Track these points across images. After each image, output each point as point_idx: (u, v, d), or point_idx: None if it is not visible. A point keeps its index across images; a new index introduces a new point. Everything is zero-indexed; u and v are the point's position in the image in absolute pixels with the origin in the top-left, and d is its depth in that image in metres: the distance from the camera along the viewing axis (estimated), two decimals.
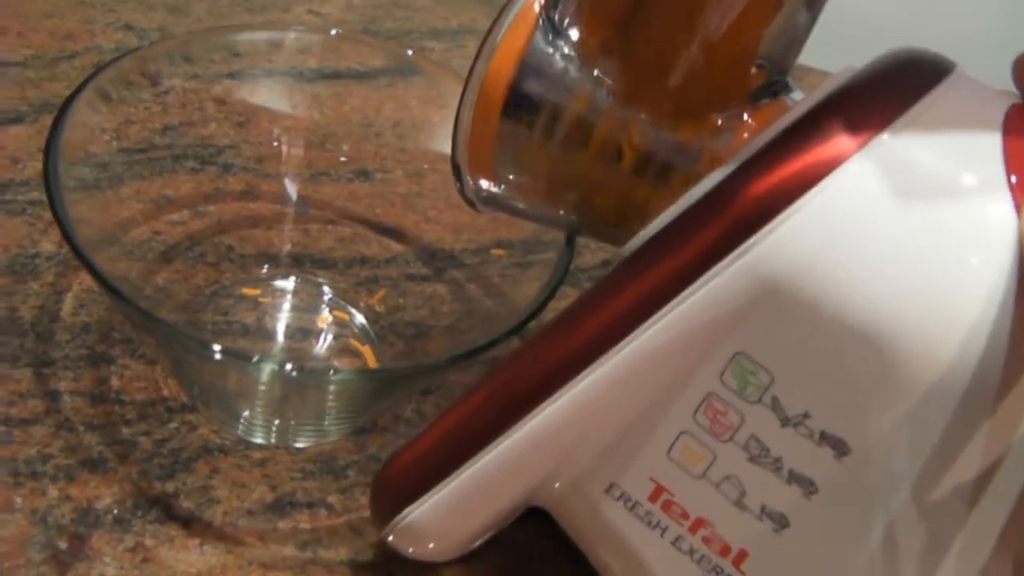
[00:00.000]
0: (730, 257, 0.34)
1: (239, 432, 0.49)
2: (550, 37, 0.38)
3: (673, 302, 0.35)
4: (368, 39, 0.62)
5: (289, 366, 0.41)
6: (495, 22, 0.38)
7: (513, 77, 0.38)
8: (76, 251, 0.41)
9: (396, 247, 0.59)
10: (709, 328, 0.35)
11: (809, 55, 0.41)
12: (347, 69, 0.61)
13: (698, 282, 0.34)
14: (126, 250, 0.53)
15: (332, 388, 0.45)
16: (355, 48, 0.60)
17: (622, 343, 0.36)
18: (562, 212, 0.40)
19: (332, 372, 0.44)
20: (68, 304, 0.53)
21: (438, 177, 0.61)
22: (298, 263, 0.57)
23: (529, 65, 0.38)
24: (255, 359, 0.41)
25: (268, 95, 0.60)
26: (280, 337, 0.54)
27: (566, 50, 0.37)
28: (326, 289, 0.56)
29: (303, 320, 0.55)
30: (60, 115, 0.48)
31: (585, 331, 0.36)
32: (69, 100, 0.48)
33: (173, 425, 0.49)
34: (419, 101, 0.61)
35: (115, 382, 0.51)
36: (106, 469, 0.47)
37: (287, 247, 0.58)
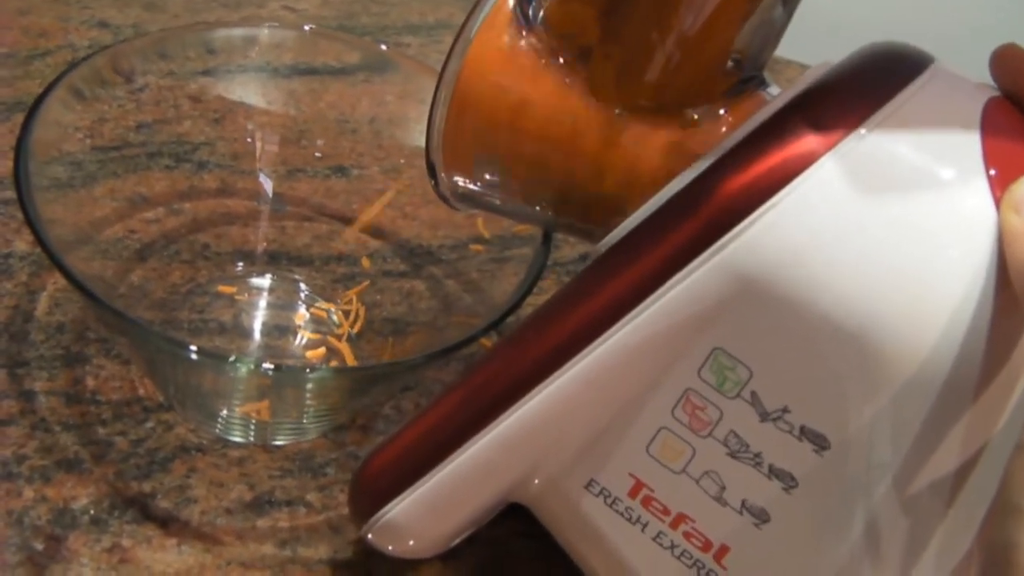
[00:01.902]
0: (706, 254, 0.33)
1: (217, 431, 0.49)
2: (524, 32, 0.37)
3: (649, 299, 0.34)
4: (343, 35, 0.62)
5: (266, 365, 0.40)
6: (468, 17, 0.38)
7: (486, 74, 0.38)
8: (48, 251, 0.41)
9: (373, 243, 0.59)
10: (686, 324, 0.34)
11: (790, 48, 0.41)
12: (323, 65, 0.60)
13: (674, 279, 0.34)
14: (100, 249, 0.53)
15: (309, 387, 0.45)
16: (330, 45, 0.59)
17: (598, 341, 0.35)
18: (538, 209, 0.40)
19: (308, 371, 0.44)
20: (42, 304, 0.53)
21: (415, 173, 0.60)
22: (274, 260, 0.57)
23: (502, 61, 0.38)
24: (231, 359, 0.41)
25: (243, 91, 0.60)
26: (257, 335, 0.53)
27: (540, 45, 0.37)
28: (303, 286, 0.56)
29: (280, 317, 0.54)
30: (31, 113, 0.47)
31: (560, 329, 0.36)
32: (41, 98, 0.48)
33: (149, 424, 0.49)
34: (396, 97, 0.61)
35: (90, 382, 0.50)
36: (82, 469, 0.47)
37: (263, 244, 0.57)
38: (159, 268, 0.54)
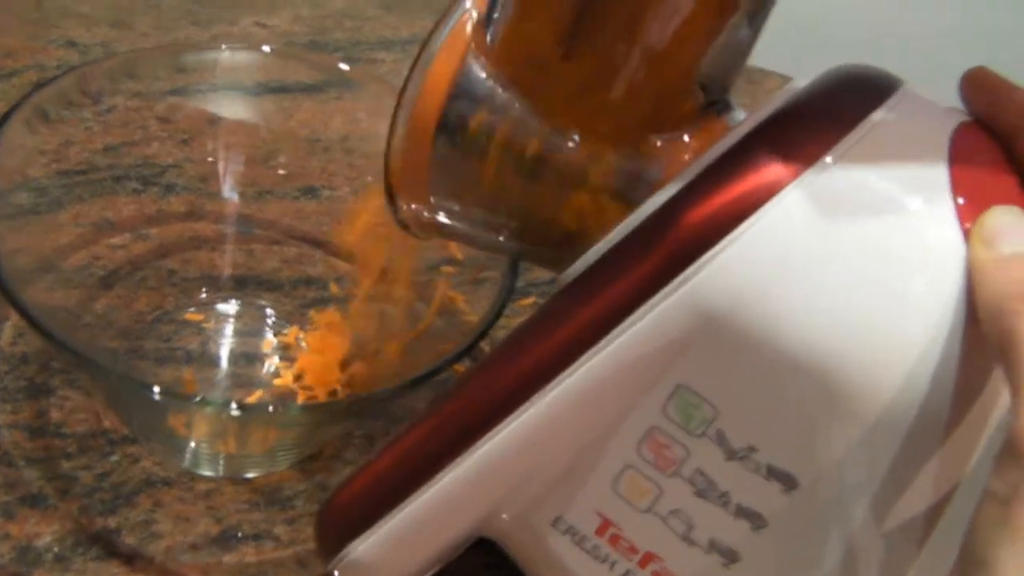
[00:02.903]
0: (668, 288, 0.33)
1: (185, 464, 0.48)
2: (482, 58, 0.36)
3: (612, 334, 0.34)
4: (312, 56, 0.61)
5: (233, 406, 0.39)
6: (426, 42, 0.37)
7: (444, 100, 0.37)
8: (4, 289, 0.40)
9: (343, 266, 0.58)
10: (650, 360, 0.34)
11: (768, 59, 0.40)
12: (294, 82, 0.59)
13: (636, 313, 0.33)
14: (64, 277, 0.52)
15: (276, 423, 0.44)
16: (299, 65, 0.58)
17: (561, 376, 0.35)
18: (500, 238, 0.39)
19: (273, 409, 0.43)
20: (6, 334, 0.52)
21: None
22: (241, 285, 0.56)
23: (461, 87, 0.37)
24: (196, 399, 0.40)
25: (213, 110, 0.59)
26: (224, 363, 0.52)
27: (498, 70, 0.36)
28: (270, 312, 0.55)
29: (247, 344, 0.53)
30: None
31: (523, 364, 0.35)
32: (3, 120, 0.47)
33: (115, 458, 0.48)
34: (368, 114, 0.60)
35: (55, 414, 0.49)
36: (46, 505, 0.46)
37: (230, 269, 0.56)
38: (124, 296, 0.53)
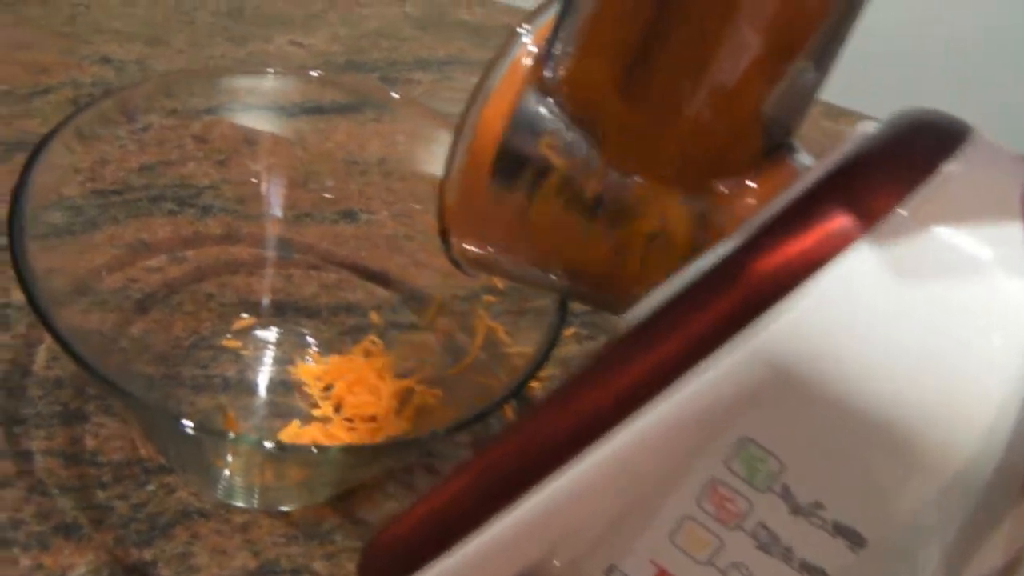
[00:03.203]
0: (737, 339, 0.32)
1: (219, 495, 0.47)
2: (542, 94, 0.36)
3: (674, 385, 0.33)
4: (348, 76, 0.60)
5: (268, 445, 0.39)
6: (483, 76, 0.36)
7: (502, 136, 0.36)
8: (37, 311, 0.39)
9: (382, 293, 0.57)
10: (714, 412, 0.33)
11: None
12: (331, 102, 0.59)
13: (702, 365, 0.32)
14: (100, 300, 0.51)
15: (313, 463, 0.43)
16: (335, 86, 0.57)
17: (619, 426, 0.34)
18: (554, 279, 0.38)
19: (315, 449, 0.42)
20: (41, 357, 0.51)
21: (426, 219, 0.58)
22: (280, 312, 0.55)
23: (520, 123, 0.36)
24: (230, 436, 0.39)
25: (250, 131, 0.58)
26: (262, 392, 0.52)
27: (558, 108, 0.35)
28: (308, 339, 0.54)
29: (285, 373, 0.53)
30: (33, 158, 0.46)
31: (580, 412, 0.34)
32: (44, 142, 0.46)
33: (151, 488, 0.47)
34: (406, 136, 0.59)
35: (90, 441, 0.48)
36: (80, 536, 0.45)
37: (269, 295, 0.55)
38: (161, 320, 0.53)
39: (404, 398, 0.51)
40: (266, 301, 0.55)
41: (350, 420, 0.50)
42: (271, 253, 0.56)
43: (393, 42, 0.79)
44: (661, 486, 0.34)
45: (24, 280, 0.40)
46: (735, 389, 0.32)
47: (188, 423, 0.38)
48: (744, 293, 0.32)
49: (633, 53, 0.34)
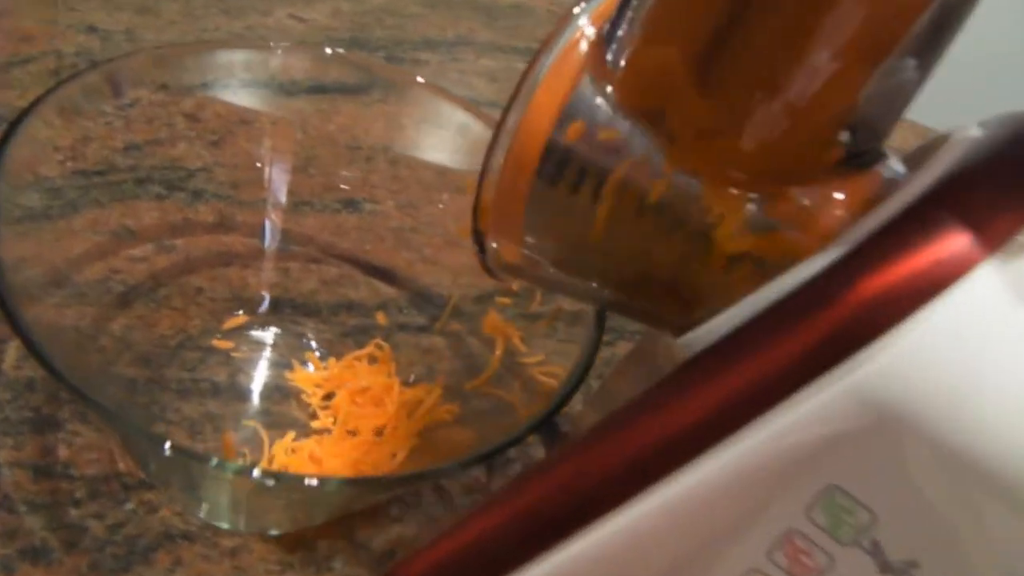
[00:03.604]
0: (832, 373, 0.27)
1: (201, 515, 0.42)
2: (599, 83, 0.31)
3: (754, 421, 0.28)
4: (351, 54, 0.55)
5: (256, 472, 0.34)
6: (532, 62, 0.31)
7: (551, 129, 0.31)
8: (3, 305, 0.34)
9: (387, 291, 0.52)
10: (799, 454, 0.28)
11: None
12: (333, 82, 0.54)
13: (788, 401, 0.28)
14: (77, 292, 0.46)
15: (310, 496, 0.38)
16: (338, 64, 0.53)
17: (686, 466, 0.29)
18: (604, 291, 0.34)
19: (313, 481, 0.37)
20: (10, 355, 0.46)
21: (434, 210, 0.54)
22: (277, 309, 0.50)
23: (572, 116, 0.31)
24: (213, 461, 0.34)
25: (246, 111, 0.53)
26: (255, 398, 0.47)
27: (618, 99, 0.31)
28: (307, 341, 0.49)
29: (281, 378, 0.48)
30: (8, 133, 0.41)
31: (637, 449, 0.30)
32: (21, 116, 0.41)
33: (130, 506, 0.42)
34: (413, 121, 0.54)
35: (63, 452, 0.44)
36: (50, 560, 0.40)
37: (264, 290, 0.50)
38: (145, 316, 0.48)
39: (412, 409, 0.46)
40: (261, 297, 0.50)
41: (352, 433, 0.45)
42: (267, 244, 0.51)
43: (399, 19, 0.74)
44: (727, 535, 0.30)
45: None
46: (824, 430, 0.28)
47: (167, 443, 0.33)
48: (839, 321, 0.27)
49: (712, 37, 0.29)
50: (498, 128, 0.32)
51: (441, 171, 0.54)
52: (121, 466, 0.43)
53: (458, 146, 0.52)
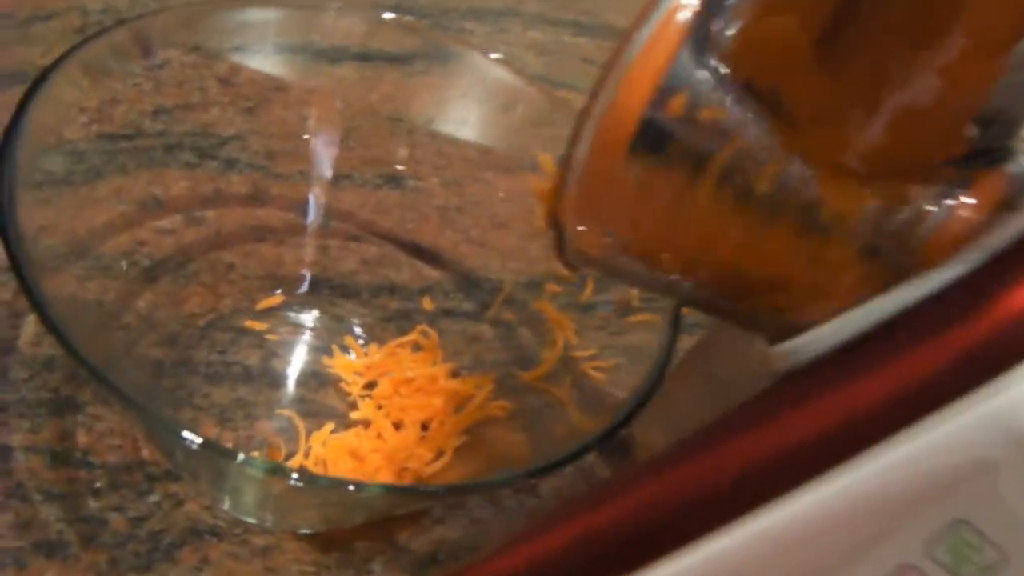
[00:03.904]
0: (968, 398, 0.24)
1: (226, 507, 0.39)
2: (703, 57, 0.27)
3: (877, 445, 0.25)
4: (398, 20, 0.52)
5: (295, 476, 0.30)
6: (627, 33, 0.28)
7: (649, 105, 0.28)
8: (21, 277, 0.31)
9: (431, 273, 0.49)
10: (924, 484, 0.25)
11: None
12: (377, 50, 0.50)
13: (919, 424, 0.24)
14: (101, 265, 0.43)
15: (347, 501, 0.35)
16: (383, 30, 0.49)
17: (794, 490, 0.26)
18: (692, 286, 0.30)
19: (353, 487, 0.33)
20: (28, 331, 0.43)
21: (480, 189, 0.51)
22: (314, 289, 0.47)
23: (672, 90, 0.28)
24: (240, 458, 0.31)
25: (283, 76, 0.50)
26: (291, 384, 0.43)
27: (726, 73, 0.27)
28: (347, 324, 0.46)
29: (319, 363, 0.44)
30: (31, 92, 0.38)
31: (739, 468, 0.27)
32: (44, 75, 0.39)
33: (154, 498, 0.39)
34: (459, 93, 0.51)
35: (82, 437, 0.40)
36: (66, 555, 0.37)
37: (301, 268, 0.47)
38: (173, 293, 0.44)
39: (460, 403, 0.43)
40: (298, 276, 0.46)
41: (396, 426, 0.42)
42: (304, 219, 0.48)
43: None
44: (832, 568, 0.27)
45: (7, 237, 0.32)
46: (957, 459, 0.24)
47: (192, 436, 0.30)
48: (979, 339, 0.24)
49: (840, 7, 0.26)
50: (587, 105, 0.28)
51: (486, 149, 0.51)
52: (145, 454, 0.40)
53: (505, 123, 0.49)
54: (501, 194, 0.51)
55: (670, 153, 0.28)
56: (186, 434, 0.30)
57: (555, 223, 0.30)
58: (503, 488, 0.40)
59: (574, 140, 0.29)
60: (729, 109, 0.27)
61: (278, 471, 0.32)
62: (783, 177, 0.27)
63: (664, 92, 0.28)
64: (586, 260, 0.31)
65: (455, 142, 0.51)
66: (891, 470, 0.25)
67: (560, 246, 0.31)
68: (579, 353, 0.45)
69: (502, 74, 0.49)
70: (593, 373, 0.44)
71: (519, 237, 0.49)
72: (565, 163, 0.29)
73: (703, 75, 0.28)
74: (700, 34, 0.28)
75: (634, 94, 0.28)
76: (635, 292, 0.45)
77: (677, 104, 0.28)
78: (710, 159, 0.28)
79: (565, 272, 0.47)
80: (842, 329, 0.27)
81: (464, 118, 0.52)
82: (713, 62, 0.27)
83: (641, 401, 0.34)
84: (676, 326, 0.37)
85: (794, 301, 0.29)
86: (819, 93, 0.27)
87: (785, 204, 0.27)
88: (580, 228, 0.30)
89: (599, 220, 0.30)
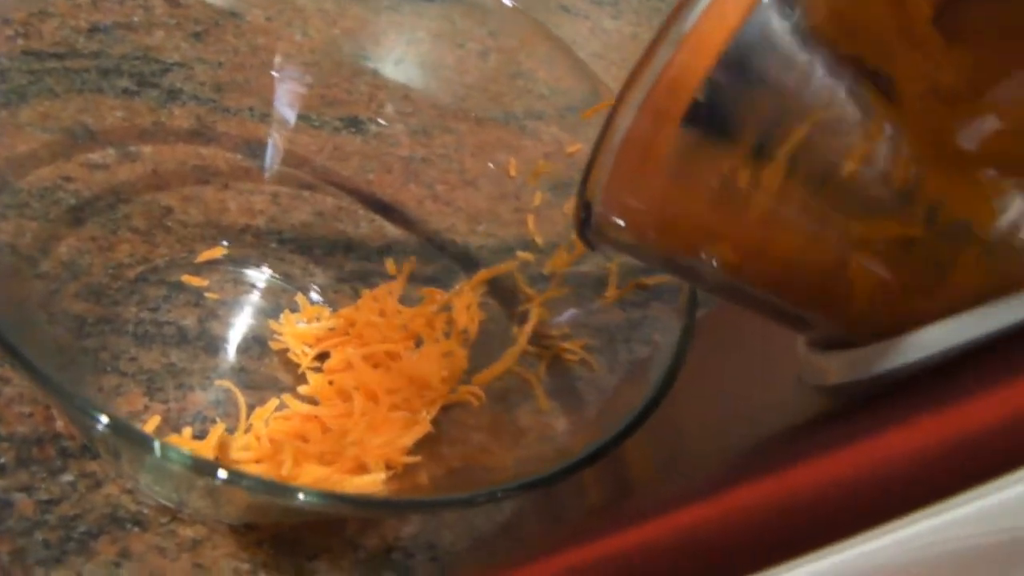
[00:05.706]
0: None
1: (143, 487, 0.34)
2: (789, 9, 0.22)
3: (982, 482, 0.21)
4: None
5: (223, 473, 0.25)
6: None
7: (712, 68, 0.23)
8: None
9: (392, 231, 0.44)
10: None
11: None
12: None
13: None
14: (18, 202, 0.38)
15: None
16: None
17: (884, 527, 0.22)
18: (724, 270, 0.26)
19: (300, 495, 0.27)
20: None
21: (449, 140, 0.46)
22: (260, 242, 0.41)
23: (745, 51, 0.23)
24: (155, 446, 0.25)
25: (237, 1, 0.44)
26: (230, 351, 0.38)
27: (816, 35, 0.22)
28: (298, 283, 0.41)
29: (264, 328, 0.39)
30: None
31: (809, 496, 0.23)
32: None
33: (68, 478, 0.34)
34: (430, 35, 0.46)
35: None
36: None
37: (245, 218, 0.42)
38: (100, 238, 0.39)
39: (423, 384, 0.38)
40: (241, 225, 0.41)
41: (348, 399, 0.37)
42: (253, 162, 0.43)
43: None
44: None
45: None
46: None
47: (103, 418, 0.24)
48: None
49: None
50: (635, 70, 0.23)
51: (460, 97, 0.46)
52: (59, 426, 0.35)
53: (479, 70, 0.44)
54: (471, 148, 0.46)
55: (735, 123, 0.23)
56: (94, 412, 0.25)
57: (582, 195, 0.25)
58: (464, 508, 0.35)
59: (618, 105, 0.24)
60: (814, 76, 0.22)
61: (199, 467, 0.27)
62: (875, 162, 0.23)
63: (735, 51, 0.23)
64: (610, 242, 0.27)
65: (424, 87, 0.46)
66: (999, 511, 0.21)
67: (582, 222, 0.26)
68: (554, 332, 0.41)
69: (481, 16, 0.44)
70: (567, 356, 0.40)
71: (488, 198, 0.45)
72: (604, 136, 0.24)
73: (786, 35, 0.23)
74: None
75: (701, 51, 0.23)
76: (612, 266, 0.40)
77: (752, 67, 0.23)
78: (786, 134, 0.23)
79: (538, 239, 0.43)
80: (937, 342, 0.23)
81: (435, 62, 0.46)
82: (802, 20, 0.23)
83: (644, 415, 0.30)
84: (690, 328, 0.32)
85: (863, 307, 0.24)
86: (938, 63, 0.22)
87: (872, 194, 0.23)
88: (610, 204, 0.25)
89: (635, 197, 0.25)
